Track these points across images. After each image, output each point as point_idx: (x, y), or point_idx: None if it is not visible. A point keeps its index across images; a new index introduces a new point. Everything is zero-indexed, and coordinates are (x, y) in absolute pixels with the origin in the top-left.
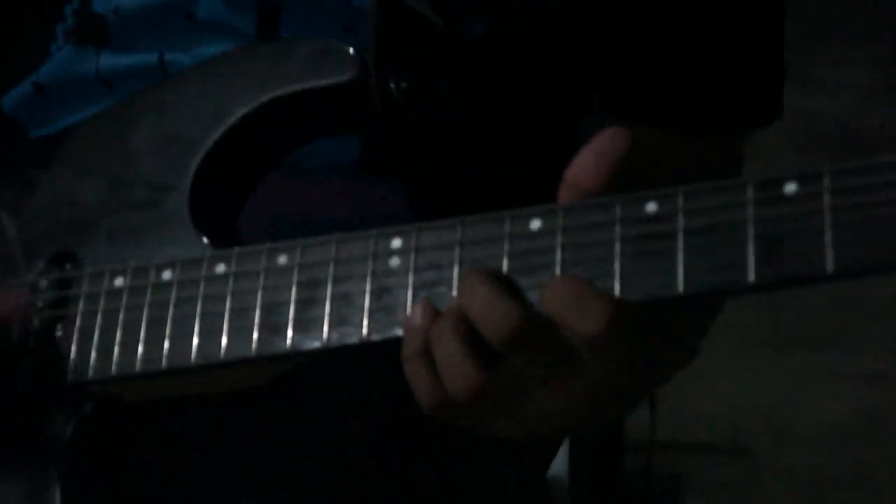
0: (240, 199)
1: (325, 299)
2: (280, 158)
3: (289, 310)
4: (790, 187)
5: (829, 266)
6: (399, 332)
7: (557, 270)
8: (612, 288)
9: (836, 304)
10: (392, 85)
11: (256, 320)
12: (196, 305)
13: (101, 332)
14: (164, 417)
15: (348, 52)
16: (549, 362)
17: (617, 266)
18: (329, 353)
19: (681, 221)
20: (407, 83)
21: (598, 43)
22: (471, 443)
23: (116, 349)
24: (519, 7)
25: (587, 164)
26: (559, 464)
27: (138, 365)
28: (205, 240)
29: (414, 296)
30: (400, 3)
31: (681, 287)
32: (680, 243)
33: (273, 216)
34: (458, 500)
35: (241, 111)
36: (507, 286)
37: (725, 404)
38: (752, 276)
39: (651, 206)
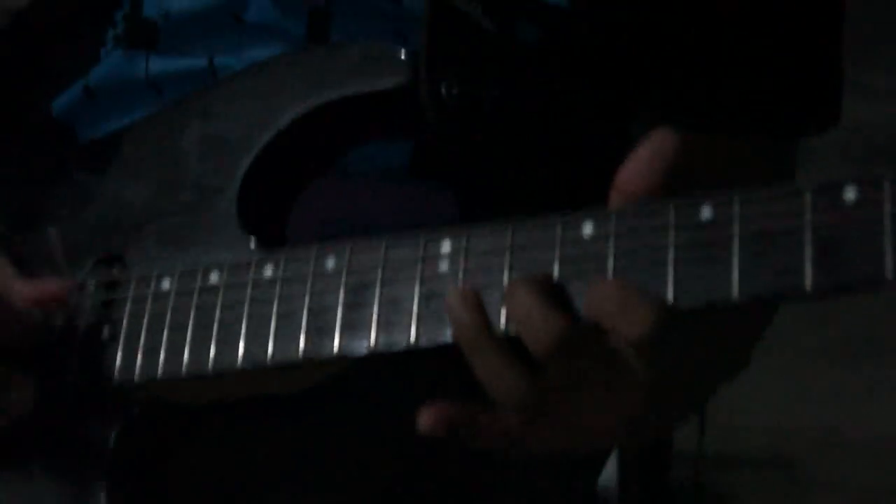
0: (288, 202)
1: (373, 303)
2: (330, 163)
3: (336, 313)
4: (849, 194)
5: (889, 273)
6: (448, 337)
7: (609, 277)
8: (665, 294)
9: (886, 316)
10: (443, 90)
11: (303, 324)
12: (243, 309)
13: (148, 335)
14: (208, 421)
15: (400, 56)
16: (594, 371)
17: (670, 271)
18: (376, 358)
19: (736, 228)
20: (458, 89)
21: (650, 48)
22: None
23: (163, 352)
24: (571, 13)
25: (637, 168)
26: (608, 475)
27: (184, 368)
28: (252, 243)
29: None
30: (453, 8)
31: (735, 293)
32: (735, 249)
33: (322, 220)
34: None
35: (291, 115)
36: (552, 296)
37: (774, 417)
38: (809, 283)
39: (706, 212)
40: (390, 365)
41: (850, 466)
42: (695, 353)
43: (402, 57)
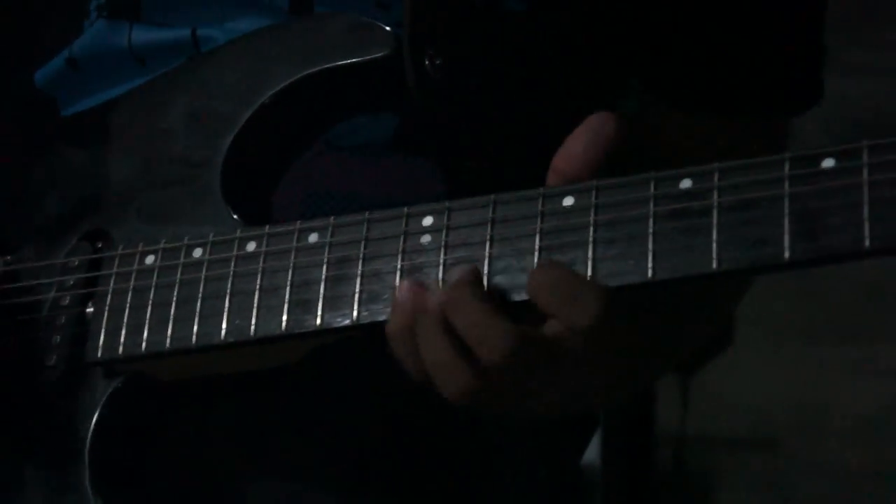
0: (274, 176)
1: (355, 277)
2: (314, 136)
3: (319, 287)
4: (828, 162)
5: (867, 242)
6: None
7: (590, 249)
8: (645, 266)
9: (870, 298)
10: (427, 62)
11: (287, 298)
12: (227, 284)
13: (132, 310)
14: (190, 397)
15: (383, 28)
16: (540, 359)
17: (650, 244)
18: (358, 331)
19: (716, 197)
20: (442, 60)
21: (637, 24)
22: (502, 427)
23: (147, 327)
24: None
25: (574, 151)
26: (592, 454)
27: (168, 342)
28: (236, 217)
29: (444, 273)
30: None
31: (715, 264)
32: (714, 220)
33: (308, 193)
34: (489, 482)
35: (275, 88)
36: (495, 303)
37: (757, 398)
38: (787, 253)
39: (686, 183)
40: (370, 338)
41: (835, 447)
42: (643, 329)
43: (386, 29)
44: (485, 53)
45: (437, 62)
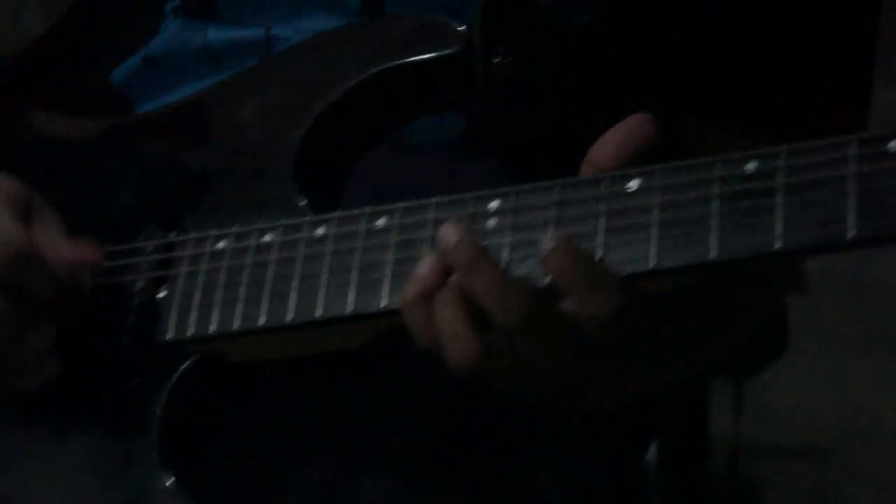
0: (344, 171)
1: (420, 259)
2: (385, 134)
3: (386, 269)
4: (894, 145)
5: None
6: None
7: (655, 230)
8: (707, 248)
9: None
10: (496, 60)
11: (354, 279)
12: (296, 266)
13: (203, 292)
14: (259, 380)
15: (454, 26)
16: (554, 337)
17: (714, 224)
18: None
19: (780, 179)
20: (510, 60)
21: (692, 47)
22: (560, 428)
23: (216, 307)
24: (622, 3)
25: (610, 145)
26: (648, 459)
27: (237, 322)
28: (307, 209)
29: (510, 256)
30: None
31: (780, 244)
32: (779, 200)
33: (377, 188)
34: (544, 482)
35: (346, 84)
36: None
37: (809, 407)
38: (852, 232)
39: (751, 166)
40: None
41: (886, 457)
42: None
43: (457, 27)
44: (552, 57)
45: (507, 60)
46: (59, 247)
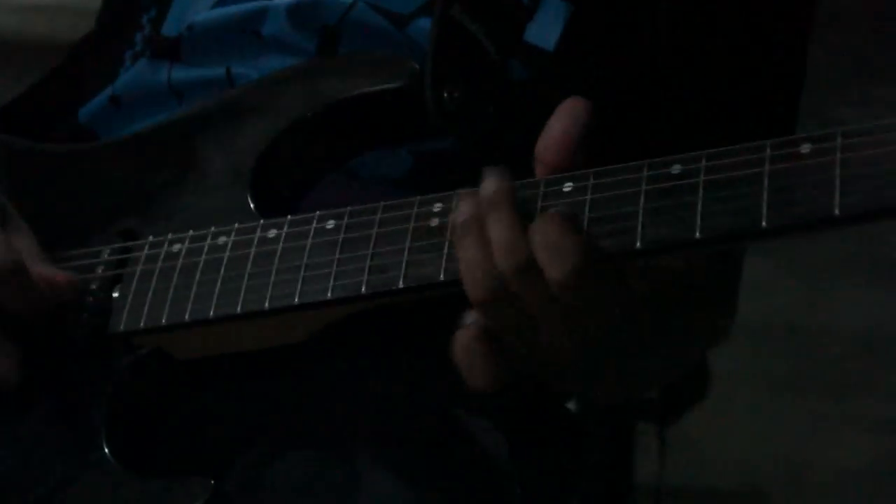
0: (297, 196)
1: (366, 255)
2: (337, 164)
3: (331, 263)
4: (805, 147)
5: (837, 210)
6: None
7: (586, 225)
8: (634, 238)
9: (857, 351)
10: (445, 94)
11: (301, 273)
12: (247, 262)
13: (156, 288)
14: (207, 374)
15: (406, 60)
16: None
17: (641, 218)
18: (369, 300)
19: (702, 177)
20: (459, 94)
21: (631, 98)
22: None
23: (168, 301)
24: (556, 61)
25: (553, 139)
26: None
27: (188, 314)
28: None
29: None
30: (460, 25)
31: (697, 233)
32: (700, 195)
33: None
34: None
35: (299, 114)
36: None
37: (741, 449)
38: (765, 222)
39: (676, 167)
40: (384, 313)
41: (818, 500)
42: (636, 327)
43: (408, 61)
44: (495, 101)
45: (455, 95)
46: (42, 270)
